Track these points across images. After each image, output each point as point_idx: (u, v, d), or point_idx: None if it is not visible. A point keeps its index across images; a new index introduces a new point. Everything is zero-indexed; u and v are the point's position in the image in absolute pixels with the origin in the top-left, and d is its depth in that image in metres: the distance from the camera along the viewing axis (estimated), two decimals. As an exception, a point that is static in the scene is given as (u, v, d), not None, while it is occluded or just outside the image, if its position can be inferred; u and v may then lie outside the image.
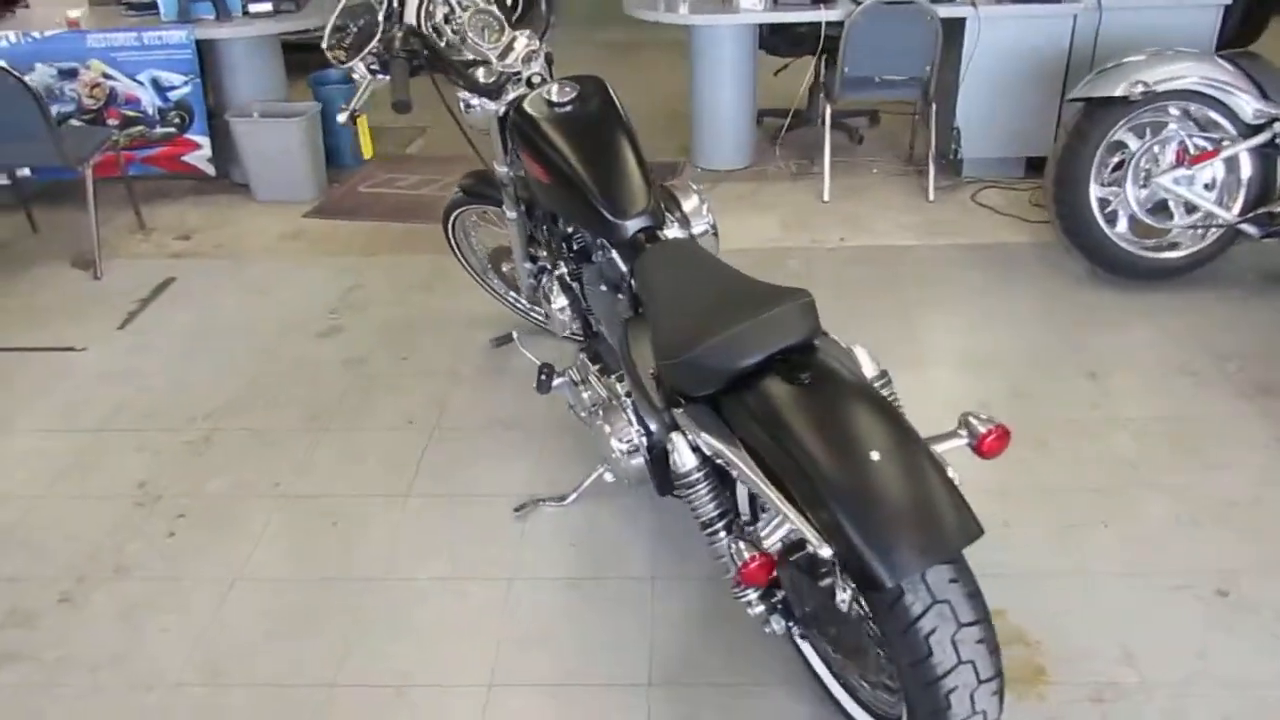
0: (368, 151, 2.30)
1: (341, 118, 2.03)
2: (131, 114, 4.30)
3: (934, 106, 4.21)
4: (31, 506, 2.57)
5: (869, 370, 1.73)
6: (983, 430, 1.52)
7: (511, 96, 2.23)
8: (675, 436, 1.71)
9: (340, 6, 1.96)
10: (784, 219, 4.14)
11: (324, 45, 1.94)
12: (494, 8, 2.22)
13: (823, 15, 4.09)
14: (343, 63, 1.90)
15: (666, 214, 2.17)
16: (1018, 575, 2.23)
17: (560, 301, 2.28)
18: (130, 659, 2.10)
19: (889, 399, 1.65)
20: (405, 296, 3.60)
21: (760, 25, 4.48)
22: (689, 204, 2.25)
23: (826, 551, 1.40)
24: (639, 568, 2.28)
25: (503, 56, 2.22)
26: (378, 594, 2.25)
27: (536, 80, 2.25)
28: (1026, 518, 2.40)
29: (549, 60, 2.32)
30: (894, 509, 1.37)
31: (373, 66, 1.94)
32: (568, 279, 2.30)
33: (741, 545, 1.47)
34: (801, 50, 4.65)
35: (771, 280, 1.73)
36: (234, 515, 2.51)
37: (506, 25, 2.23)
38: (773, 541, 1.49)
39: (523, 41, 2.23)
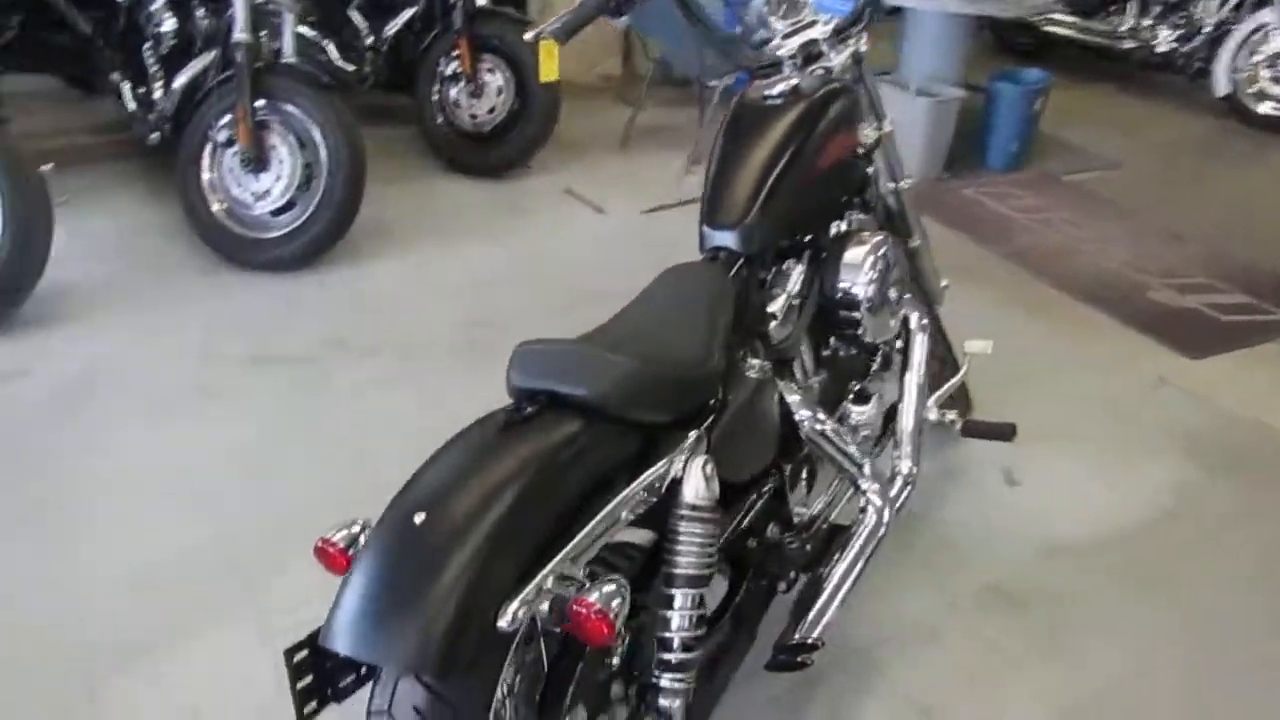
0: (545, 74, 2.39)
1: (527, 36, 2.13)
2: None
3: None
4: (404, 298, 3.41)
5: (692, 495, 1.40)
6: (585, 598, 1.18)
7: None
8: None
9: None
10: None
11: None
12: None
13: None
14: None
15: (807, 253, 1.94)
16: None
17: None
18: (312, 421, 2.85)
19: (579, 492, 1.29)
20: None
21: None
22: (850, 256, 1.95)
23: None
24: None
25: (788, 38, 2.03)
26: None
27: (820, 72, 2.03)
28: None
29: (855, 59, 2.08)
30: (379, 572, 1.16)
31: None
32: None
33: None
34: None
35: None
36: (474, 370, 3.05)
37: (808, 10, 2.07)
38: None
39: (816, 30, 2.02)
